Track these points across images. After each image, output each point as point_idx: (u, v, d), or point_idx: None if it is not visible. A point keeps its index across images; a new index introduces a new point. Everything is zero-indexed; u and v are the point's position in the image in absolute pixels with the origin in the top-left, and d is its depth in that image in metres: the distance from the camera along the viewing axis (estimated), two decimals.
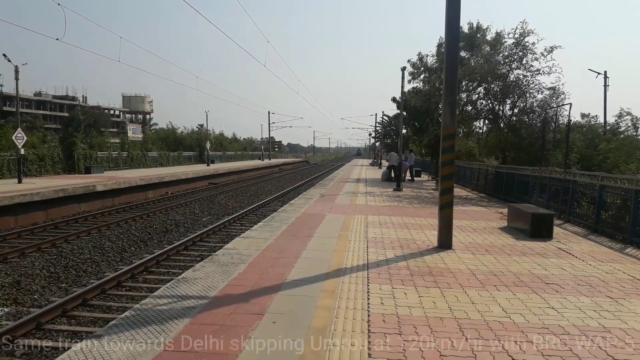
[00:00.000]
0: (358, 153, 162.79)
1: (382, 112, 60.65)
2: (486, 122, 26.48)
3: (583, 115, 27.05)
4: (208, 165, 42.17)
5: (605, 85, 31.84)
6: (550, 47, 19.73)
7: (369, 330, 4.56)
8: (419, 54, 29.77)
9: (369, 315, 4.96)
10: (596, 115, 27.42)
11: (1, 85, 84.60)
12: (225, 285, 5.91)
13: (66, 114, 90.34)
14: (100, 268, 10.50)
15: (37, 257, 10.97)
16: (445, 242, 8.63)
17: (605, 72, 32.40)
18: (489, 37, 24.37)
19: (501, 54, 21.16)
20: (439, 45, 27.73)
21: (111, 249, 12.02)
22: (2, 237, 13.05)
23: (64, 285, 9.27)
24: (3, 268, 10.02)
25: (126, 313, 4.93)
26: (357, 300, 5.41)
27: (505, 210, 12.53)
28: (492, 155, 25.30)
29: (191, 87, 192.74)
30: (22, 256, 11.12)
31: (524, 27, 20.21)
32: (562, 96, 20.04)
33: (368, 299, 5.50)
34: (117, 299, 8.26)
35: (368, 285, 6.03)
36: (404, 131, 39.09)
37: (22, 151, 21.64)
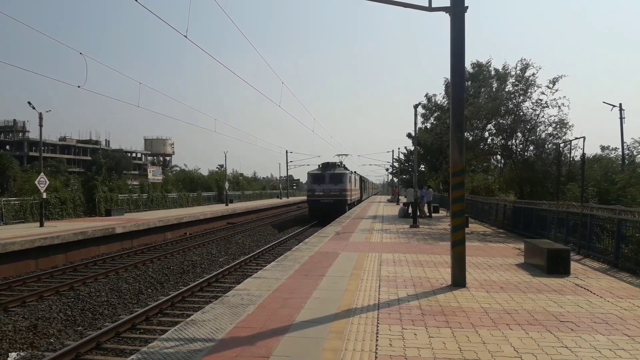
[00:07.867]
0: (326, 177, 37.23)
1: (398, 148, 60.55)
2: (500, 157, 26.31)
3: (603, 148, 26.80)
4: (227, 205, 42.52)
5: (621, 117, 31.61)
6: (554, 78, 19.34)
7: None
8: (427, 94, 29.28)
9: (376, 357, 4.90)
10: (616, 148, 27.13)
11: (27, 132, 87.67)
12: (233, 327, 5.91)
13: (89, 158, 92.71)
14: (116, 311, 10.58)
15: (55, 301, 11.11)
16: (458, 280, 8.52)
17: (620, 104, 32.24)
18: (493, 72, 24.27)
19: (506, 89, 21.12)
20: (447, 85, 27.72)
21: (128, 291, 12.12)
22: (22, 281, 13.30)
23: (79, 328, 9.35)
24: (21, 312, 10.18)
25: (132, 356, 4.96)
26: (365, 342, 5.36)
27: (522, 246, 12.34)
28: (510, 190, 25.03)
29: (210, 129, 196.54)
30: (40, 299, 11.29)
31: (524, 62, 20.32)
32: (569, 127, 19.65)
33: (377, 340, 5.43)
34: (130, 341, 8.30)
35: (378, 326, 5.96)
36: (421, 167, 39.13)
37: (45, 195, 22.20)
